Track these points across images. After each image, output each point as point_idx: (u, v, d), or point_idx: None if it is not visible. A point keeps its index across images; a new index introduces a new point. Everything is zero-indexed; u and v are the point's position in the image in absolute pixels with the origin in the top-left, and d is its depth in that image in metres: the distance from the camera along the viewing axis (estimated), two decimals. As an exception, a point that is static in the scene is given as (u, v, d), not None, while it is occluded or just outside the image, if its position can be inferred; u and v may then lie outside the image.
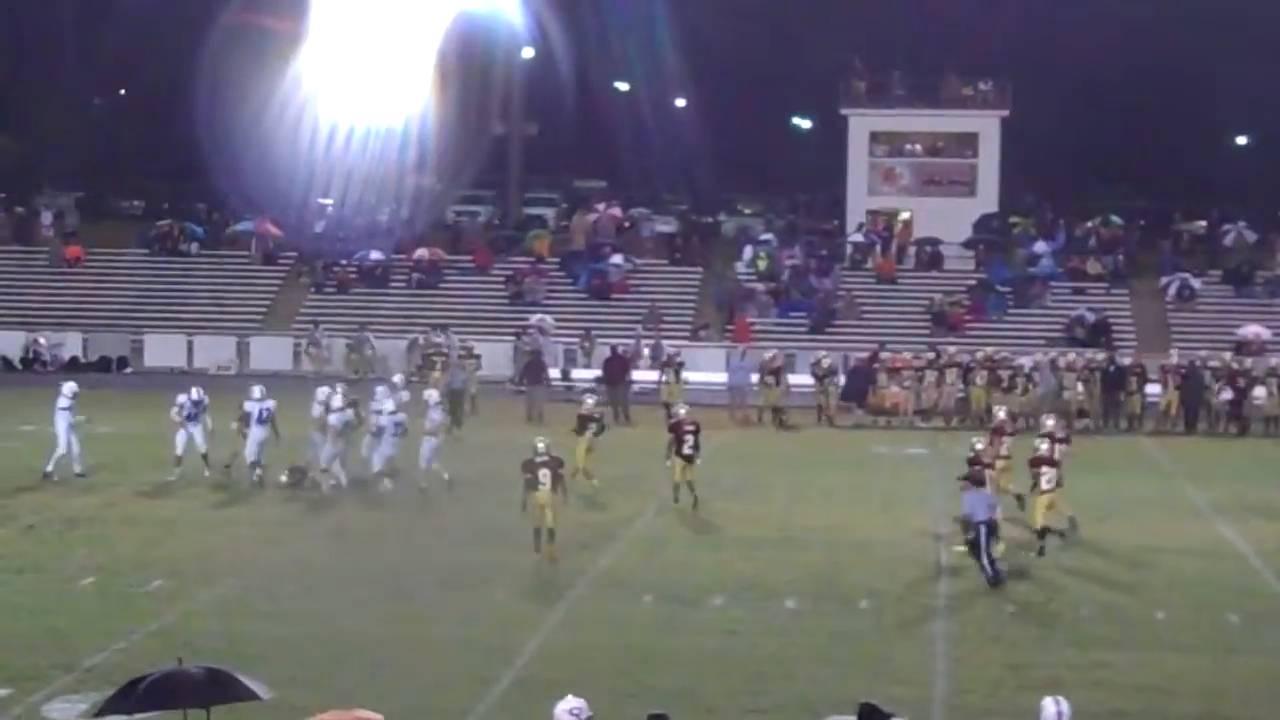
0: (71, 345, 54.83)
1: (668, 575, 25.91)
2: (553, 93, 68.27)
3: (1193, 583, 26.05)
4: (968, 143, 67.01)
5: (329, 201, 62.98)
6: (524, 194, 71.83)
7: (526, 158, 71.39)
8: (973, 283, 57.70)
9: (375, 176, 61.61)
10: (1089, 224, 62.70)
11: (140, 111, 79.33)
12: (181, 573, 25.51)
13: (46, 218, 64.14)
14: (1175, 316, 56.06)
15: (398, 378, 37.33)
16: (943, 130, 67.36)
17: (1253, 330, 52.57)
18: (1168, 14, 72.11)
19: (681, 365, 45.95)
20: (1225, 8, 71.74)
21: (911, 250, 61.01)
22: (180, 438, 33.27)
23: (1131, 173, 79.08)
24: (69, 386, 33.96)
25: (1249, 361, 46.40)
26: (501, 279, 58.72)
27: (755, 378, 44.87)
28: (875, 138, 67.19)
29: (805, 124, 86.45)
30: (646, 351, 49.99)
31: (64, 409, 33.37)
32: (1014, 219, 65.24)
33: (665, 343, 50.45)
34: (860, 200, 66.16)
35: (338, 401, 32.82)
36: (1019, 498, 29.91)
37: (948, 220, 62.19)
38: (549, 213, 71.09)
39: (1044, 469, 27.82)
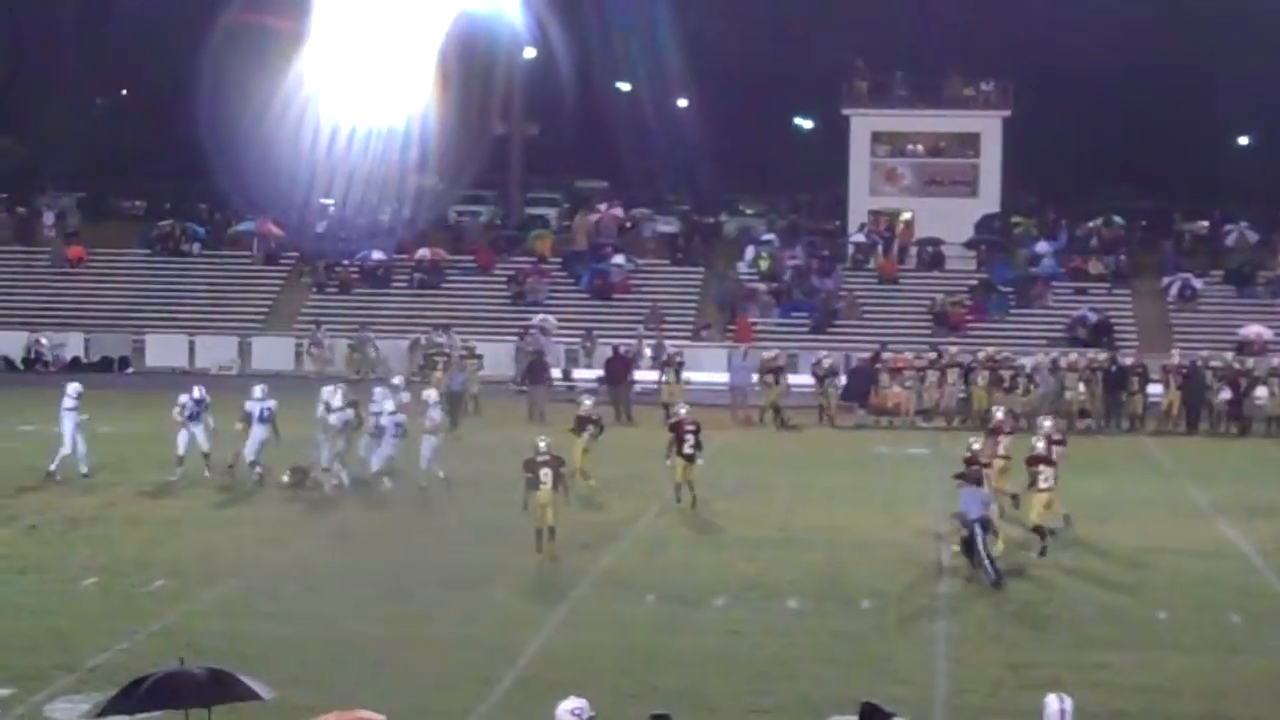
0: (73, 345, 54.86)
1: (670, 575, 25.91)
2: (554, 93, 68.28)
3: (1194, 583, 26.04)
4: (969, 143, 67.04)
5: (331, 201, 63.00)
6: (526, 194, 71.84)
7: (528, 158, 71.41)
8: (974, 283, 57.72)
9: (377, 176, 61.62)
10: (1091, 224, 62.72)
11: (142, 112, 79.41)
12: (183, 573, 25.52)
13: (48, 218, 64.19)
14: (1177, 317, 56.06)
15: (398, 379, 37.33)
16: (944, 130, 67.39)
17: (1254, 330, 52.57)
18: (1170, 14, 72.14)
19: (681, 365, 45.95)
20: (1227, 7, 71.77)
21: (913, 250, 61.04)
22: (182, 438, 33.27)
23: (1133, 173, 79.08)
24: (74, 387, 33.95)
25: (1251, 362, 46.42)
26: (503, 279, 58.74)
27: (757, 378, 44.91)
28: (877, 138, 67.23)
29: (807, 124, 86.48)
30: (648, 352, 49.96)
31: (70, 409, 33.37)
32: (1016, 219, 65.27)
33: (667, 343, 50.46)
34: (862, 200, 66.18)
35: (337, 401, 32.84)
36: (1014, 497, 29.94)
37: (949, 220, 62.21)
38: (551, 213, 71.15)
39: (1041, 468, 27.83)
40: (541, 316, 54.05)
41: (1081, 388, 44.38)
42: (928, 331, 54.56)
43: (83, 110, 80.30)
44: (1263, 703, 19.99)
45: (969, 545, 25.75)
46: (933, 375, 45.06)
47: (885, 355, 46.25)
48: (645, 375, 47.71)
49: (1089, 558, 27.69)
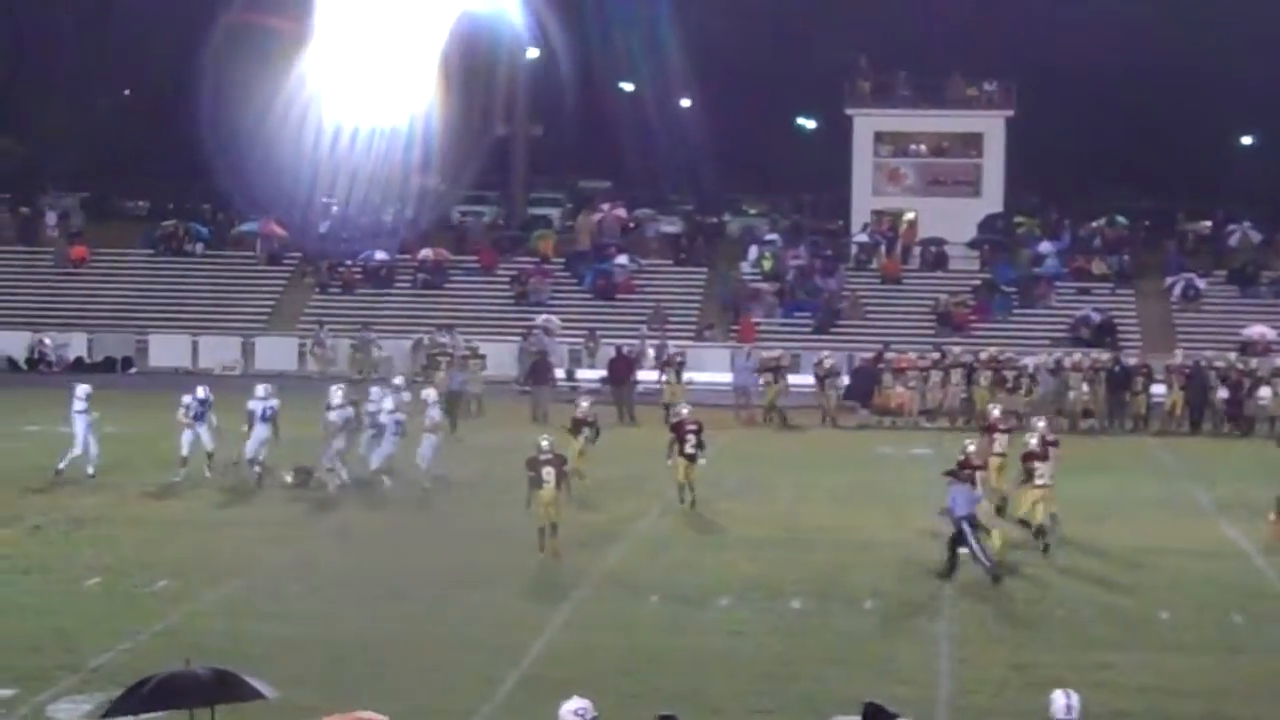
0: (76, 346, 54.86)
1: (673, 575, 25.92)
2: (557, 93, 68.27)
3: (1196, 583, 26.04)
4: (972, 143, 66.97)
5: (334, 202, 63.01)
6: (529, 194, 71.84)
7: (531, 158, 71.41)
8: (978, 283, 57.70)
9: (380, 177, 61.64)
10: (1094, 224, 62.71)
11: (144, 112, 79.35)
12: (187, 573, 25.53)
13: (51, 218, 64.22)
14: (1180, 317, 56.04)
15: (398, 379, 37.32)
16: (947, 130, 67.33)
17: (1258, 330, 52.55)
18: (1173, 14, 72.09)
19: (682, 365, 45.90)
20: (1230, 7, 71.72)
21: (916, 250, 61.01)
22: (186, 438, 33.27)
23: (1136, 173, 79.05)
24: (83, 389, 33.83)
25: (1254, 362, 46.38)
26: (506, 279, 58.73)
27: (759, 378, 44.92)
28: (880, 138, 67.17)
29: (810, 124, 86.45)
30: (651, 352, 49.96)
31: (80, 411, 33.27)
32: (1019, 219, 65.24)
33: (670, 343, 50.46)
34: (865, 200, 66.14)
35: (338, 399, 32.86)
36: (1003, 500, 29.93)
37: (952, 220, 62.15)
38: (554, 213, 71.17)
39: (1037, 464, 27.89)
40: (545, 317, 54.04)
41: (1085, 388, 44.38)
42: (931, 332, 54.55)
43: (84, 110, 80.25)
44: (1265, 703, 19.99)
45: (955, 542, 25.78)
46: (936, 375, 45.02)
47: (888, 355, 46.25)
48: (648, 375, 47.70)
49: (1091, 558, 27.69)
